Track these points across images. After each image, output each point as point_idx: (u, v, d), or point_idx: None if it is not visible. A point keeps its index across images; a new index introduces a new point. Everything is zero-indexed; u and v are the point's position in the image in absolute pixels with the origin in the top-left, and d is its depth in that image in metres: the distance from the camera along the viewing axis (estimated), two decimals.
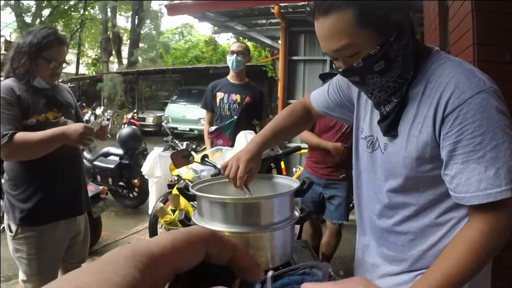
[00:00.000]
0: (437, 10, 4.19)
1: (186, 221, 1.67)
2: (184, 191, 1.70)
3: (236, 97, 4.63)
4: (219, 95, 4.69)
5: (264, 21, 8.89)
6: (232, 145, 3.82)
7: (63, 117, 2.66)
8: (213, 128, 4.46)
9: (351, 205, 6.36)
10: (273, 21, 8.57)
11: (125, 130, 7.38)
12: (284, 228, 1.57)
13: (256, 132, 4.06)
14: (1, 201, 5.06)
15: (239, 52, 4.59)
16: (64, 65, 2.70)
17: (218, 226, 1.52)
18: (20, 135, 2.33)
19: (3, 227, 3.81)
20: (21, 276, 2.66)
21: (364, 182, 1.65)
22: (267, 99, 4.67)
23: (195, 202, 3.43)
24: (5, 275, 4.39)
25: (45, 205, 2.57)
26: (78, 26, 29.19)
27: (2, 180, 2.87)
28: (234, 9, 8.30)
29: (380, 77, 1.34)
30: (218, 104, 4.68)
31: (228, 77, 4.79)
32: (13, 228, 2.57)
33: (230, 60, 4.61)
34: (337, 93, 1.76)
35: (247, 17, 8.90)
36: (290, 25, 8.11)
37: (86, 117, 15.36)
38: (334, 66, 1.51)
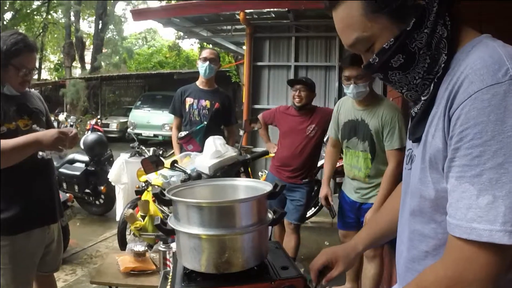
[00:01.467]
0: None
1: (162, 225, 1.71)
2: (160, 196, 1.74)
3: (206, 102, 4.68)
4: (189, 100, 4.73)
5: (229, 27, 8.94)
6: (202, 151, 3.87)
7: (34, 125, 2.64)
8: (183, 133, 4.48)
9: (316, 208, 6.56)
10: (238, 27, 8.64)
11: (91, 136, 7.32)
12: (259, 230, 1.63)
13: (224, 137, 4.14)
14: None
15: (212, 59, 4.66)
16: (34, 71, 2.69)
17: (196, 230, 1.56)
18: None
19: None
20: None
21: (401, 203, 1.35)
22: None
23: (165, 207, 3.46)
24: None
25: (18, 214, 2.53)
26: (41, 30, 28.61)
27: None
28: (199, 15, 8.34)
29: (403, 73, 1.12)
30: (187, 110, 4.72)
31: (197, 82, 4.84)
32: None
33: (203, 67, 4.66)
34: None
35: (213, 23, 8.94)
36: (255, 31, 8.19)
37: None
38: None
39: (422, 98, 1.13)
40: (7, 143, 2.32)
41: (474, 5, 2.40)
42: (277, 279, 1.61)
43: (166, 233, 1.74)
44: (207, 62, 4.63)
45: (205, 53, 4.76)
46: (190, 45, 26.83)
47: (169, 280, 1.72)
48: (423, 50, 1.06)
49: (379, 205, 3.35)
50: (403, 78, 1.13)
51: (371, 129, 3.53)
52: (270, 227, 2.56)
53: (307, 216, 5.94)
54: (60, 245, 2.98)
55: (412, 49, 1.06)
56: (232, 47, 11.46)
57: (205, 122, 4.61)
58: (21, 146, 2.35)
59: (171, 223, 1.67)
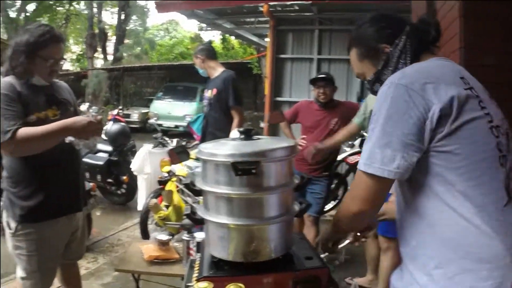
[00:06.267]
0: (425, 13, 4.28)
1: (192, 215, 1.76)
2: (190, 187, 1.78)
3: (208, 92, 4.80)
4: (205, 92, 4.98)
5: (252, 19, 8.94)
6: (202, 140, 3.97)
7: (62, 115, 2.67)
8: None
9: (333, 201, 6.56)
10: (262, 19, 8.64)
11: (114, 127, 7.37)
12: (286, 220, 1.67)
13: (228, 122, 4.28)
14: None
15: (196, 63, 4.93)
16: (62, 61, 2.73)
17: (224, 219, 1.61)
18: (23, 130, 2.35)
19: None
20: (20, 273, 2.65)
21: None
22: (238, 85, 4.68)
23: (188, 198, 3.50)
24: None
25: (45, 202, 2.58)
26: (63, 21, 28.78)
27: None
28: (223, 7, 8.35)
29: None
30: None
31: None
32: (13, 225, 2.57)
33: (198, 70, 4.97)
34: None
35: (236, 15, 8.95)
36: (278, 24, 8.18)
37: None
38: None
39: None
40: (38, 129, 2.38)
41: None
42: (302, 269, 1.65)
43: (195, 222, 1.78)
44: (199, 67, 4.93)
45: (194, 58, 5.01)
46: (212, 36, 26.77)
47: (196, 268, 1.77)
48: None
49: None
50: None
51: None
52: None
53: (326, 209, 5.95)
54: (84, 234, 3.04)
55: (383, 80, 1.53)
56: (255, 39, 11.45)
57: (206, 110, 4.83)
58: (51, 132, 2.40)
59: (201, 212, 1.72)
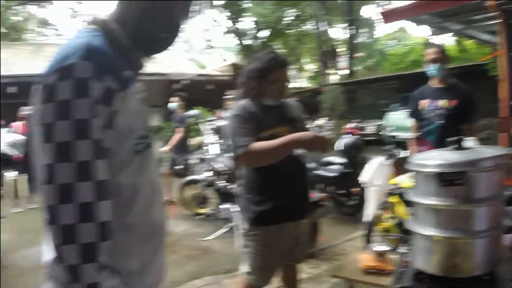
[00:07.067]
0: None
1: (401, 226, 1.79)
2: (401, 198, 1.82)
3: (442, 102, 4.42)
4: (423, 102, 4.56)
5: (479, 16, 8.30)
6: None
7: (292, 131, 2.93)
8: (416, 134, 4.43)
9: None
10: (491, 15, 7.96)
11: (348, 140, 7.61)
12: (492, 235, 1.59)
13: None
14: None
15: (438, 58, 4.39)
16: (288, 83, 3.03)
17: (428, 231, 1.61)
18: (256, 144, 2.70)
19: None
20: (245, 268, 3.01)
21: None
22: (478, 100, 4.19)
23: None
24: (225, 268, 5.01)
25: (273, 209, 2.88)
26: (297, 42, 30.54)
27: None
28: (447, 8, 7.94)
29: None
30: (423, 112, 4.56)
31: (430, 83, 4.64)
32: (245, 226, 2.97)
33: (433, 69, 4.43)
34: None
35: (462, 15, 8.42)
36: (509, 17, 7.46)
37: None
38: None
39: None
40: (269, 143, 2.70)
41: None
42: None
43: (406, 234, 1.81)
44: (437, 64, 4.38)
45: (429, 54, 4.49)
46: (445, 40, 25.31)
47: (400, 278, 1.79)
48: None
49: None
50: None
51: None
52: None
53: None
54: (306, 240, 3.30)
55: None
56: (488, 37, 10.60)
57: (440, 121, 4.37)
58: (280, 145, 2.68)
59: (408, 223, 1.73)
